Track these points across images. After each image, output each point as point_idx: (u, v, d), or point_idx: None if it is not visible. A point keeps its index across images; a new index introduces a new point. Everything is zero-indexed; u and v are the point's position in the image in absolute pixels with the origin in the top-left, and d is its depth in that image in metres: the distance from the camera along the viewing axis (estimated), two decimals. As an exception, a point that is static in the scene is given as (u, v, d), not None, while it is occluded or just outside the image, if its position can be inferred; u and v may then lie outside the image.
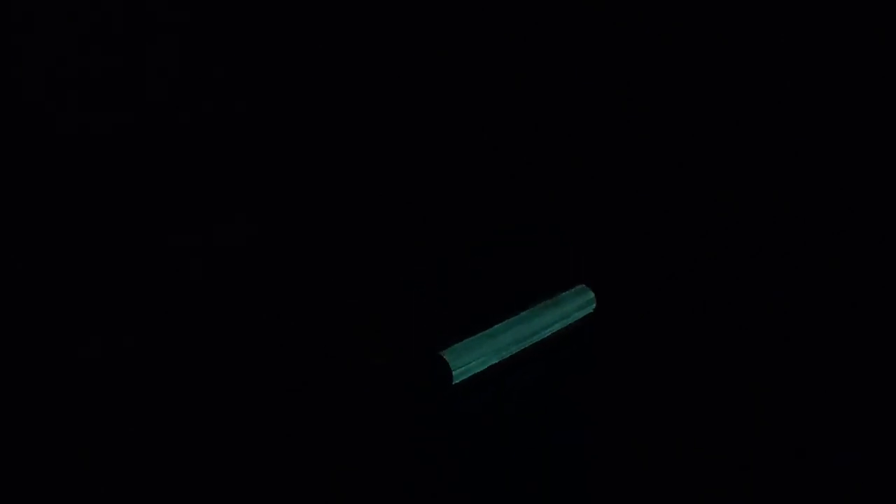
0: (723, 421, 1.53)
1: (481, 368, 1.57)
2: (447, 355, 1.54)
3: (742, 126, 2.35)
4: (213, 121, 2.13)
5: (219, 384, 1.50)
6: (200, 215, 1.88)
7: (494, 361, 1.59)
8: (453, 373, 1.53)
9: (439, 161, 2.08)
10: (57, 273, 1.69)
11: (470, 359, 1.55)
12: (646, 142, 2.24)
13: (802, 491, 1.39)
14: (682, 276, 1.88)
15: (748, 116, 2.38)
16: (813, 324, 1.76)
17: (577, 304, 1.69)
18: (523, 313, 1.64)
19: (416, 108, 2.27)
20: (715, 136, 2.30)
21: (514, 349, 1.61)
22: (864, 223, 2.06)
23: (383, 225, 1.92)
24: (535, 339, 1.63)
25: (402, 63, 2.35)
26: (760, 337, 1.72)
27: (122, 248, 1.77)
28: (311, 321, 1.67)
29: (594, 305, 1.71)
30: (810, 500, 1.37)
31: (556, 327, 1.66)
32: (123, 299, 1.65)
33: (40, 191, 1.89)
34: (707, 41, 2.52)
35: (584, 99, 2.36)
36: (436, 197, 2.00)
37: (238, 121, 2.16)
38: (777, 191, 2.14)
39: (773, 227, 2.03)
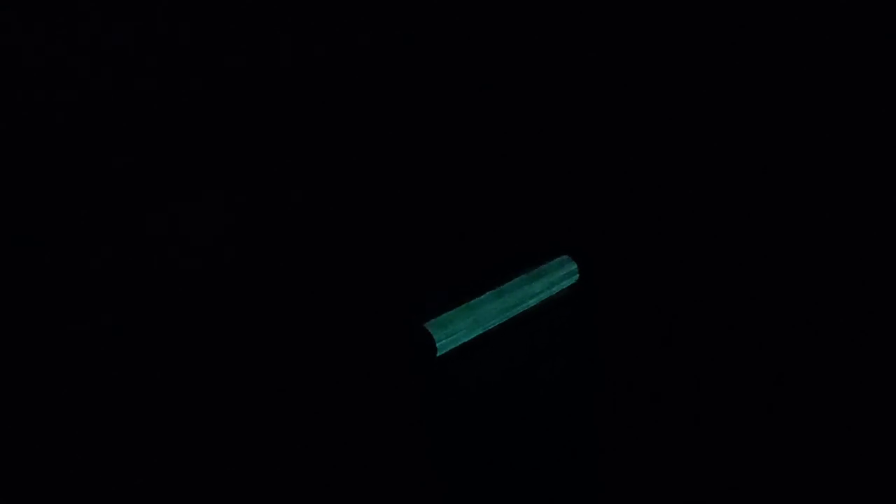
0: (705, 384, 1.55)
1: (465, 339, 1.59)
2: (431, 327, 1.55)
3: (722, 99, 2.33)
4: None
5: (222, 357, 1.52)
6: (183, 194, 1.88)
7: (479, 332, 1.61)
8: (437, 344, 1.54)
9: (421, 134, 2.07)
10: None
11: (454, 330, 1.57)
12: (629, 116, 2.22)
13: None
14: (664, 246, 1.89)
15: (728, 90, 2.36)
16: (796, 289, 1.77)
17: (559, 275, 1.70)
18: (506, 284, 1.65)
19: (400, 81, 2.25)
20: (695, 110, 2.29)
21: (499, 320, 1.63)
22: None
23: (365, 200, 1.92)
24: (519, 309, 1.65)
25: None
26: (740, 301, 1.73)
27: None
28: (296, 297, 1.68)
29: (577, 276, 1.72)
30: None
31: (540, 298, 1.67)
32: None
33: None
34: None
35: (569, 72, 2.33)
36: (418, 172, 1.99)
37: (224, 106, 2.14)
38: (756, 162, 2.13)
39: (750, 194, 2.03)
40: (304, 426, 1.43)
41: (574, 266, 1.73)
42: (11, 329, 1.52)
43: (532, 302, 1.67)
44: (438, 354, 1.56)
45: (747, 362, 1.79)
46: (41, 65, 1.84)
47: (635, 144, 2.00)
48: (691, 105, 2.02)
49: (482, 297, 1.63)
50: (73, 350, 1.51)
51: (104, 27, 1.82)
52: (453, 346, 1.58)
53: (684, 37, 1.99)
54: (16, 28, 1.83)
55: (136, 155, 1.86)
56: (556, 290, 1.70)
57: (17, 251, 1.66)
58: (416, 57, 1.95)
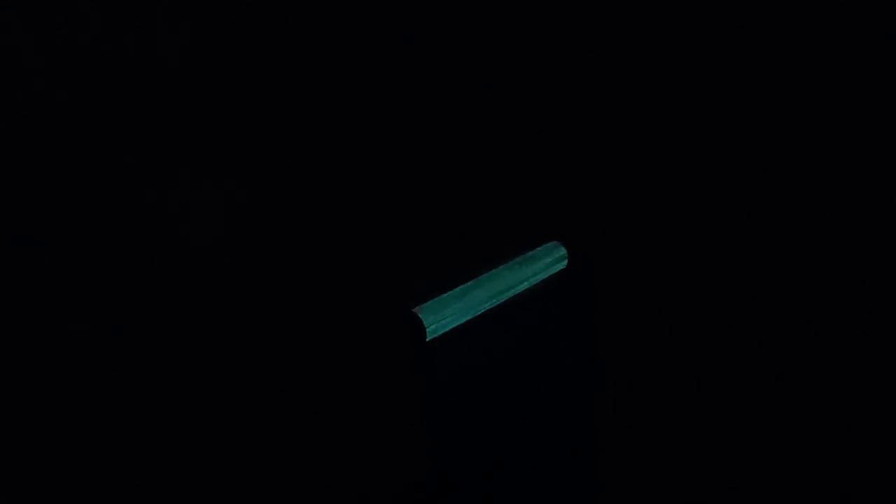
0: (692, 371, 1.54)
1: (455, 324, 1.59)
2: (421, 312, 1.56)
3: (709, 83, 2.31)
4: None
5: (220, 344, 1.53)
6: (183, 180, 1.89)
7: (469, 317, 1.61)
8: (427, 329, 1.54)
9: (409, 123, 2.07)
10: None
11: (444, 315, 1.57)
12: (620, 101, 2.22)
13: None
14: (653, 232, 1.88)
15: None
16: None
17: (549, 261, 1.71)
18: (496, 269, 1.66)
19: (391, 72, 2.26)
20: (694, 100, 2.29)
21: (488, 305, 1.63)
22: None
23: (355, 187, 1.93)
24: (509, 294, 1.65)
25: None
26: (740, 300, 1.73)
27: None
28: (285, 284, 1.68)
29: (566, 261, 1.72)
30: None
31: (529, 283, 1.68)
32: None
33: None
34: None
35: (558, 59, 2.33)
36: (407, 158, 2.00)
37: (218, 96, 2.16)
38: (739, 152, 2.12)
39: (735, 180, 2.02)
40: (296, 411, 1.43)
41: (563, 251, 1.73)
42: (11, 329, 1.53)
43: (522, 287, 1.67)
44: (428, 339, 1.56)
45: (747, 362, 1.78)
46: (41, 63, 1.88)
47: (626, 129, 2.00)
48: (690, 95, 2.02)
49: (472, 282, 1.63)
50: (73, 350, 1.51)
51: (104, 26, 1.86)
52: (443, 331, 1.58)
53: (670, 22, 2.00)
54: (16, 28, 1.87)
55: (135, 154, 1.89)
56: (545, 275, 1.71)
57: (17, 251, 1.68)
58: (412, 53, 1.98)
